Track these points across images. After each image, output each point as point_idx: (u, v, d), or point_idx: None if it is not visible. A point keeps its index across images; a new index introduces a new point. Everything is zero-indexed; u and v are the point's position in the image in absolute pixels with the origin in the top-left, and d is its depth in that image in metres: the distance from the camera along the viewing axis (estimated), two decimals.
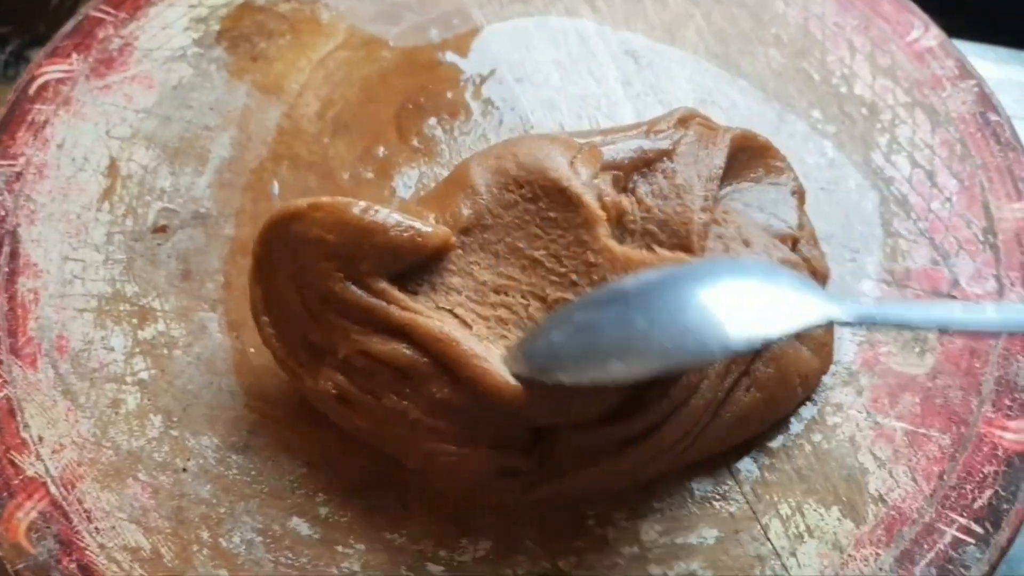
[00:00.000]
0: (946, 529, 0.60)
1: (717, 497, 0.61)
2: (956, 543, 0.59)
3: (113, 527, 0.59)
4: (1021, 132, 0.75)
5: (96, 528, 0.58)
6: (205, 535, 0.59)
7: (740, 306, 0.49)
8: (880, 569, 0.59)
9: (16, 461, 0.60)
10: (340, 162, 0.72)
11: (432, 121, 0.74)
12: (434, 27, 0.79)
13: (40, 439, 0.61)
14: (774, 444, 0.63)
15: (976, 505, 0.60)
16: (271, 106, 0.74)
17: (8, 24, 0.98)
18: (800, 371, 0.62)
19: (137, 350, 0.64)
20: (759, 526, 0.60)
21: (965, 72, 0.77)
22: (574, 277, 0.57)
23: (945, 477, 0.61)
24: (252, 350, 0.64)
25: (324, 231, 0.55)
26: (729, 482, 0.62)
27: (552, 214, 0.58)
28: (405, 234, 0.56)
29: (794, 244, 0.64)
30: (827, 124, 0.75)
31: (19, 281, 0.66)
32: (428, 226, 0.57)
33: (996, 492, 0.61)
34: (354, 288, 0.56)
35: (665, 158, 0.61)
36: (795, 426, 0.64)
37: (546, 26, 0.80)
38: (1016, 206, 0.71)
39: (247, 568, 0.58)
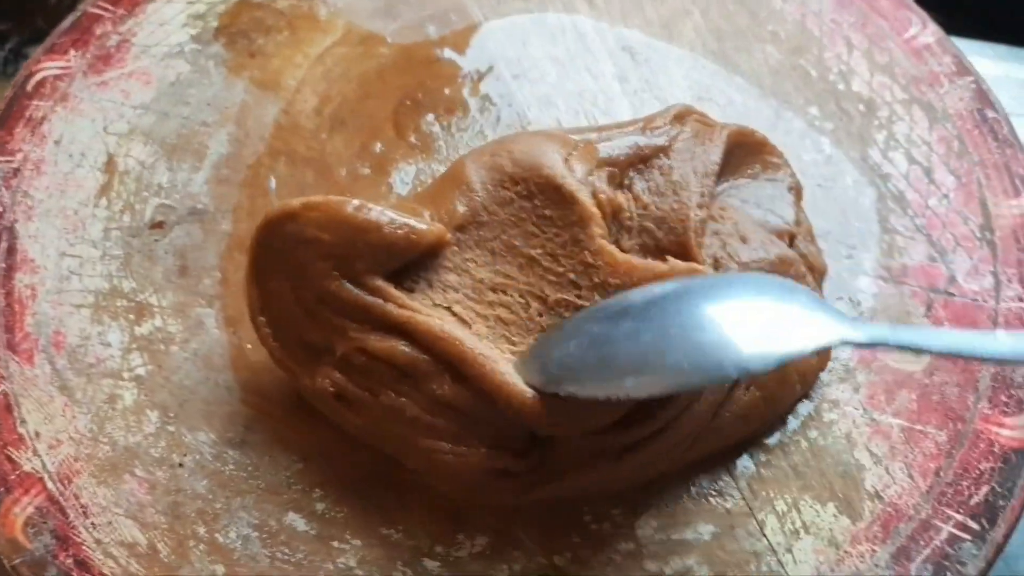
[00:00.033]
0: (942, 526, 0.60)
1: (713, 493, 0.61)
2: (952, 540, 0.59)
3: (110, 522, 0.59)
4: (1019, 129, 0.75)
5: (93, 523, 0.58)
6: (201, 530, 0.59)
7: (755, 325, 0.49)
8: (876, 565, 0.59)
9: (13, 456, 0.60)
10: (337, 158, 0.72)
11: (430, 117, 0.74)
12: (432, 23, 0.79)
13: (37, 435, 0.61)
14: (771, 441, 0.63)
15: (972, 502, 0.60)
16: (269, 102, 0.74)
17: (7, 21, 0.98)
18: (799, 368, 0.62)
19: (134, 346, 0.64)
20: (755, 522, 0.60)
21: (963, 69, 0.77)
22: (572, 276, 0.57)
23: (941, 474, 0.61)
24: (249, 346, 0.64)
25: (319, 230, 0.55)
26: (725, 478, 0.62)
27: (547, 212, 0.58)
28: (399, 231, 0.56)
29: (791, 240, 0.64)
30: (824, 121, 0.75)
31: (16, 277, 0.66)
32: (422, 223, 0.57)
33: (992, 488, 0.61)
34: (350, 286, 0.56)
35: (661, 154, 0.61)
36: (792, 423, 0.64)
37: (544, 22, 0.80)
38: (1013, 203, 0.71)
39: (243, 563, 0.58)
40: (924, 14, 0.80)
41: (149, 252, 0.68)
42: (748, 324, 0.49)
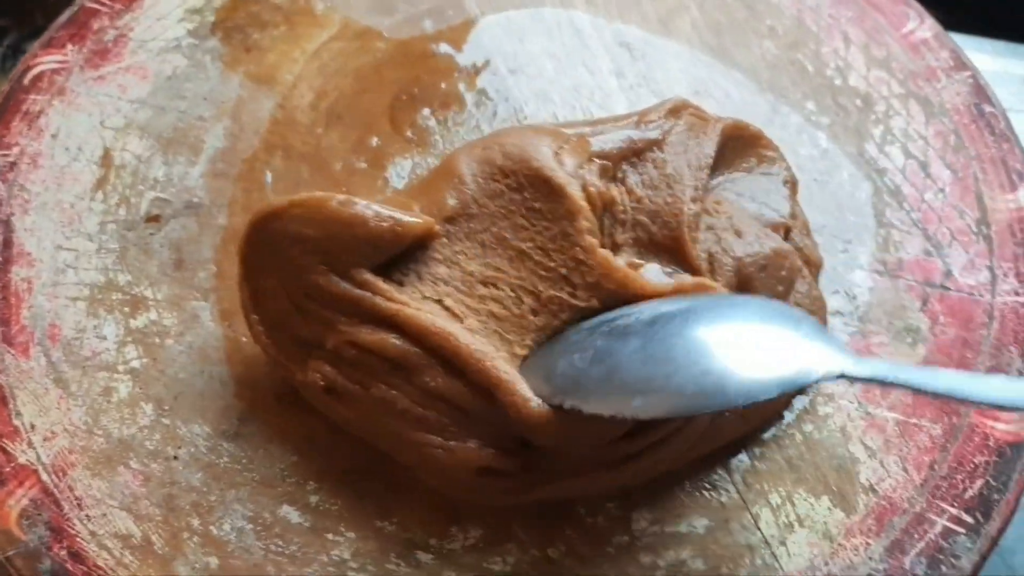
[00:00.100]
0: (936, 519, 0.60)
1: (708, 486, 0.61)
2: (946, 533, 0.59)
3: (104, 514, 0.59)
4: (1017, 124, 0.74)
5: (87, 515, 0.58)
6: (196, 523, 0.59)
7: (759, 352, 0.50)
8: (870, 559, 0.59)
9: (8, 448, 0.60)
10: (333, 153, 0.72)
11: (426, 112, 0.74)
12: (428, 18, 0.79)
13: (32, 427, 0.61)
14: (765, 434, 0.63)
15: (967, 495, 0.60)
16: (265, 97, 0.74)
17: (6, 17, 0.98)
18: None
19: (129, 339, 0.64)
20: (749, 515, 0.60)
21: (960, 63, 0.77)
22: (563, 271, 0.57)
23: (936, 467, 0.61)
24: (244, 339, 0.64)
25: (305, 227, 0.56)
26: (720, 471, 0.62)
27: (537, 204, 0.58)
28: (384, 224, 0.56)
29: (786, 233, 0.64)
30: (821, 115, 0.75)
31: (12, 270, 0.66)
32: (408, 216, 0.57)
33: (987, 482, 0.61)
34: (338, 280, 0.56)
35: (655, 148, 0.61)
36: (787, 416, 0.64)
37: (540, 17, 0.80)
38: (1009, 197, 0.71)
39: (237, 555, 0.58)
40: (921, 9, 0.80)
41: (145, 246, 0.68)
42: (752, 351, 0.50)
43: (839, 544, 0.59)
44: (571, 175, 0.58)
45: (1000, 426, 0.62)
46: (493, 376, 0.54)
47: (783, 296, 0.61)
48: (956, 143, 0.73)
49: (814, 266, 0.66)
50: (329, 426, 0.61)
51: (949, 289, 0.68)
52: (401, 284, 0.57)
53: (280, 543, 0.59)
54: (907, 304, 0.67)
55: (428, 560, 0.58)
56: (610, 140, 0.60)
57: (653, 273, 0.59)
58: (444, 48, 0.78)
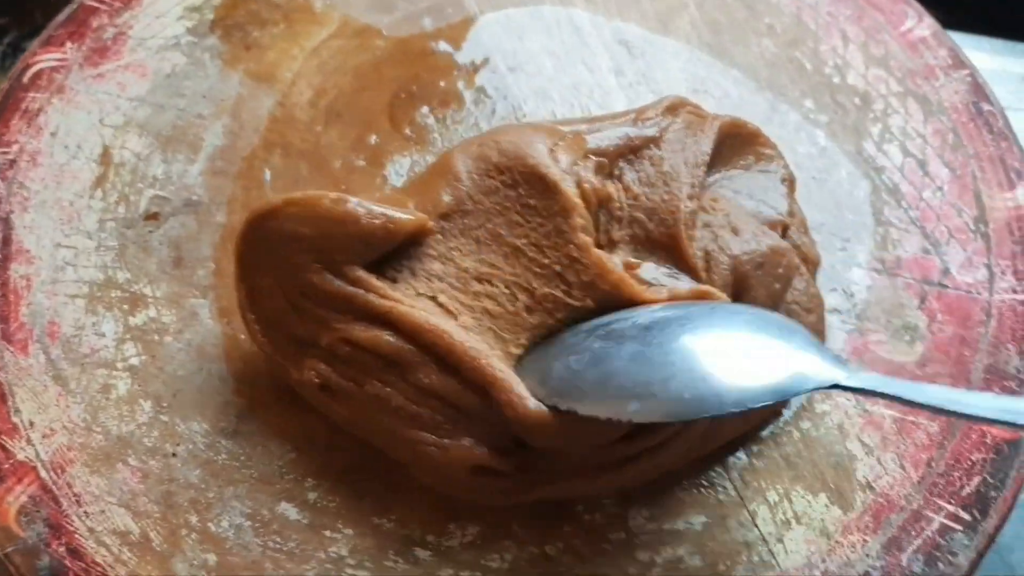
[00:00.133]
0: (934, 516, 0.60)
1: (705, 484, 0.61)
2: (944, 530, 0.59)
3: (102, 511, 0.59)
4: (1015, 123, 0.74)
5: (85, 512, 0.59)
6: (194, 519, 0.59)
7: (755, 361, 0.51)
8: (867, 556, 0.59)
9: (6, 445, 0.60)
10: (332, 150, 0.72)
11: (425, 110, 0.75)
12: (427, 16, 0.79)
13: (31, 424, 0.61)
14: (763, 432, 0.63)
15: (964, 492, 0.60)
16: (264, 95, 0.74)
17: (5, 16, 0.98)
18: None
19: (128, 336, 0.64)
20: (747, 512, 0.60)
21: (958, 62, 0.77)
22: (558, 269, 0.57)
23: (933, 464, 0.61)
24: (243, 336, 0.64)
25: (298, 225, 0.56)
26: (717, 469, 0.62)
27: (531, 201, 0.58)
28: (376, 221, 0.56)
29: (784, 231, 0.64)
30: (819, 114, 0.75)
31: (11, 267, 0.66)
32: (401, 212, 0.57)
33: (984, 479, 0.61)
34: (331, 278, 0.56)
35: (652, 145, 0.61)
36: (784, 414, 0.64)
37: (539, 15, 0.80)
38: (1008, 195, 0.71)
39: (235, 552, 0.58)
40: (920, 7, 0.80)
41: (144, 243, 0.68)
42: (748, 359, 0.51)
43: (836, 541, 0.59)
44: (565, 172, 0.58)
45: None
46: (488, 374, 0.54)
47: (780, 294, 0.61)
48: (954, 141, 0.74)
49: (812, 264, 0.66)
50: (327, 423, 0.61)
51: (947, 287, 0.68)
52: (395, 281, 0.58)
53: (278, 540, 0.59)
54: (905, 302, 0.67)
55: (426, 557, 0.58)
56: (606, 137, 0.61)
57: (650, 272, 0.59)
58: (443, 46, 0.78)
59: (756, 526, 0.60)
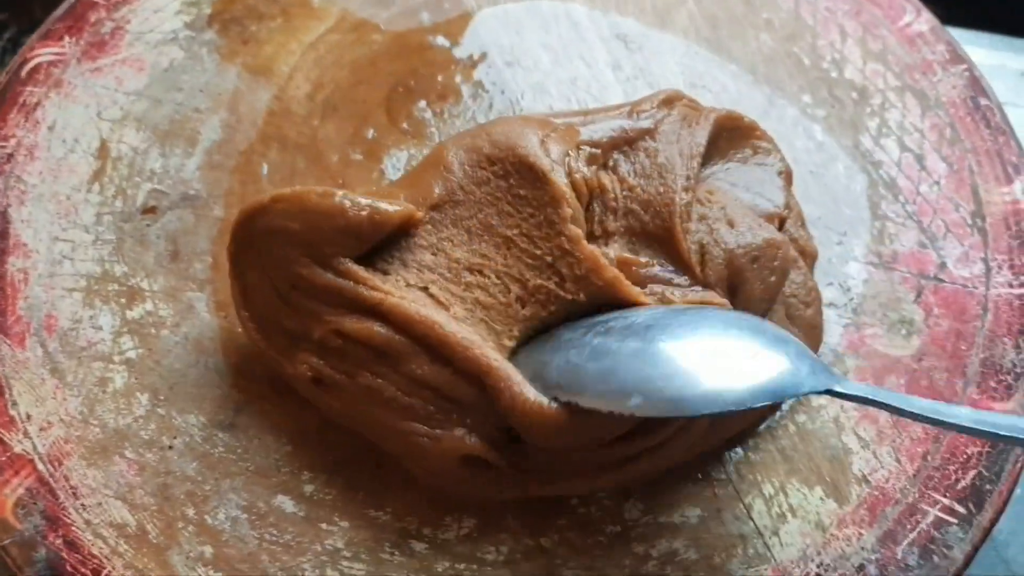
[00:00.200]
0: (929, 509, 0.60)
1: (701, 477, 0.61)
2: (939, 523, 0.59)
3: (99, 504, 0.59)
4: (1014, 119, 0.74)
5: (82, 504, 0.59)
6: (190, 512, 0.59)
7: (754, 364, 0.51)
8: (862, 548, 0.59)
9: (4, 438, 0.60)
10: (329, 144, 0.72)
11: (422, 104, 0.75)
12: (426, 11, 0.79)
13: (28, 417, 0.61)
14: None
15: (959, 486, 0.60)
16: (261, 89, 0.75)
17: (4, 11, 0.98)
18: None
19: (125, 329, 0.64)
20: (742, 505, 0.60)
21: (956, 57, 0.77)
22: (549, 260, 0.57)
23: (929, 458, 0.61)
24: (239, 330, 0.64)
25: (287, 220, 0.57)
26: (713, 462, 0.62)
27: (522, 191, 0.58)
28: (363, 213, 0.57)
29: (781, 224, 0.64)
30: (817, 108, 0.75)
31: (9, 261, 0.66)
32: (387, 204, 0.57)
33: (980, 473, 0.61)
34: (321, 271, 0.57)
35: (647, 137, 0.61)
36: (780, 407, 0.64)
37: (537, 10, 0.80)
38: (1005, 190, 0.71)
39: (232, 545, 0.58)
40: (918, 2, 0.80)
41: (141, 237, 0.68)
42: (747, 361, 0.51)
43: (831, 534, 0.59)
44: (556, 162, 0.58)
45: None
46: (483, 364, 0.54)
47: (776, 287, 0.61)
48: (952, 136, 0.74)
49: (809, 257, 0.66)
50: (324, 416, 0.61)
51: (944, 281, 0.68)
52: (386, 273, 0.58)
53: (274, 532, 0.59)
54: (902, 296, 0.67)
55: (422, 549, 0.59)
56: (600, 129, 0.61)
57: (651, 271, 0.59)
58: (441, 40, 0.78)
59: (751, 519, 0.60)
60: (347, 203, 0.57)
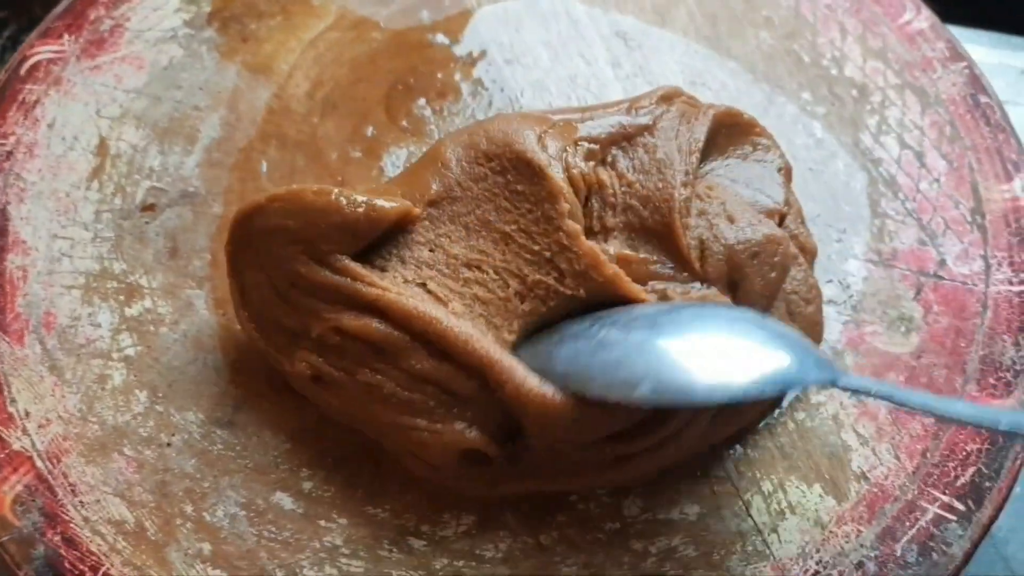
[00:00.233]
0: (928, 506, 0.60)
1: (699, 474, 0.61)
2: (938, 520, 0.59)
3: (98, 501, 0.59)
4: (1014, 117, 0.74)
5: (81, 502, 0.59)
6: (189, 509, 0.59)
7: (760, 355, 0.52)
8: (861, 546, 0.59)
9: (2, 435, 0.60)
10: (329, 142, 0.72)
11: (421, 102, 0.75)
12: (425, 8, 0.79)
13: (26, 414, 0.61)
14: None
15: (959, 483, 0.60)
16: (261, 86, 0.75)
17: (4, 10, 0.98)
18: None
19: (124, 327, 0.64)
20: (741, 502, 0.60)
21: (956, 54, 0.77)
22: (547, 255, 0.57)
23: (928, 455, 0.61)
24: (238, 327, 0.64)
25: (284, 219, 0.57)
26: (712, 459, 0.62)
27: (520, 187, 0.58)
28: (359, 210, 0.57)
29: (781, 220, 0.64)
30: (816, 105, 0.75)
31: (8, 258, 0.66)
32: (383, 200, 0.58)
33: (979, 470, 0.61)
34: (318, 268, 0.57)
35: (646, 133, 0.61)
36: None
37: (537, 8, 0.80)
38: (1004, 187, 0.71)
39: (230, 542, 0.58)
40: (918, 0, 0.80)
41: (140, 234, 0.68)
42: (753, 353, 0.52)
43: (830, 531, 0.59)
44: (553, 157, 0.58)
45: None
46: (484, 356, 0.54)
47: (777, 283, 0.61)
48: (951, 133, 0.73)
49: (809, 254, 0.66)
50: (322, 414, 0.61)
51: (943, 278, 0.68)
52: (384, 270, 0.58)
53: (273, 529, 0.59)
54: (901, 293, 0.67)
55: (420, 546, 0.59)
56: (598, 125, 0.61)
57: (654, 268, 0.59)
58: (440, 38, 0.78)
59: (750, 516, 0.60)
60: (343, 200, 0.57)
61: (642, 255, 0.59)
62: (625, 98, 0.66)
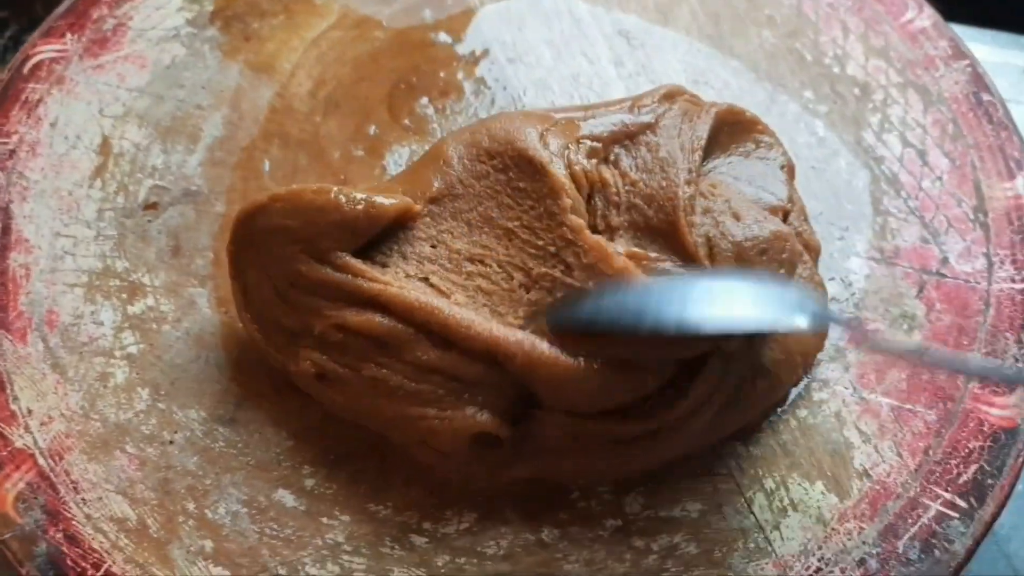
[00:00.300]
0: (930, 504, 0.60)
1: (701, 471, 0.61)
2: (940, 517, 0.59)
3: (100, 498, 0.59)
4: (1017, 115, 0.74)
5: (83, 499, 0.59)
6: (191, 506, 0.59)
7: (766, 292, 0.56)
8: (863, 543, 0.59)
9: (5, 433, 0.60)
10: (331, 141, 0.73)
11: (424, 100, 0.75)
12: (428, 7, 0.79)
13: (29, 411, 0.61)
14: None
15: (961, 480, 0.60)
16: (263, 85, 0.75)
17: (6, 9, 0.98)
18: (801, 350, 0.62)
19: (126, 325, 0.64)
20: (743, 500, 0.60)
21: (958, 52, 0.77)
22: (552, 249, 0.58)
23: (930, 452, 0.61)
24: (240, 325, 0.64)
25: (284, 218, 0.57)
26: (713, 456, 0.62)
27: (522, 184, 0.59)
28: (358, 207, 0.57)
29: (784, 217, 0.64)
30: (819, 104, 0.75)
31: (11, 256, 0.66)
32: (383, 197, 0.58)
33: (981, 467, 0.60)
34: (319, 266, 0.57)
35: (648, 131, 0.61)
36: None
37: (540, 7, 0.80)
38: (1007, 185, 0.71)
39: (232, 539, 0.58)
40: None
41: (142, 233, 0.68)
42: (780, 298, 0.56)
43: (832, 528, 0.59)
44: (555, 155, 0.59)
45: (995, 412, 0.62)
46: (489, 336, 0.55)
47: (785, 279, 0.61)
48: (954, 131, 0.73)
49: (813, 251, 0.66)
50: (325, 411, 0.61)
51: (946, 276, 0.67)
52: (385, 266, 0.58)
53: (275, 526, 0.59)
54: (903, 291, 0.67)
55: (422, 544, 0.59)
56: (600, 123, 0.61)
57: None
58: (443, 37, 0.78)
59: (752, 513, 0.60)
60: (342, 198, 0.57)
61: (651, 254, 0.59)
62: (627, 96, 0.66)
